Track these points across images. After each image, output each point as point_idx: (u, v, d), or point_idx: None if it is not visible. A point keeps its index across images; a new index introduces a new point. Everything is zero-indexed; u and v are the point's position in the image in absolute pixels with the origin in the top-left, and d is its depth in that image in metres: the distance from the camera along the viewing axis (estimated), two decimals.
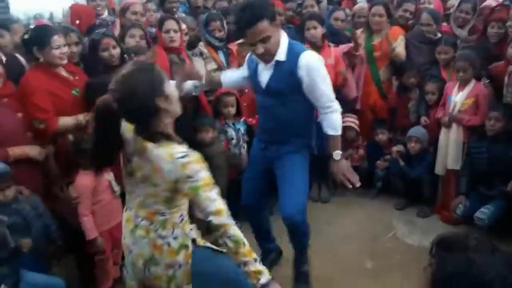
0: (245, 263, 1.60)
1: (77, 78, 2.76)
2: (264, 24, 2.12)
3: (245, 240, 1.63)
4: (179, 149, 1.58)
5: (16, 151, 2.39)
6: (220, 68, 3.54)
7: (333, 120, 2.34)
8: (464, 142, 3.30)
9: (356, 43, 3.67)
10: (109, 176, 2.58)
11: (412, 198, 3.67)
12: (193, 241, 1.74)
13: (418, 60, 3.79)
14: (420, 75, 3.73)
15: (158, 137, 1.58)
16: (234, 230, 1.61)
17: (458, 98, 3.31)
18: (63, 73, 2.70)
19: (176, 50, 3.29)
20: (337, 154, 2.38)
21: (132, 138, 1.65)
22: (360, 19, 4.16)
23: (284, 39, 2.28)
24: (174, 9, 4.14)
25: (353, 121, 3.82)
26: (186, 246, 1.70)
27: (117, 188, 2.60)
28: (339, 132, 2.36)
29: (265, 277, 1.59)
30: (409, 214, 3.61)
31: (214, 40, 3.54)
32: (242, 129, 3.38)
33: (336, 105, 2.34)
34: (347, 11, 4.36)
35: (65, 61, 2.67)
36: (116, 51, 2.82)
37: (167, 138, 1.60)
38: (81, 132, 2.64)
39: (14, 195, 2.25)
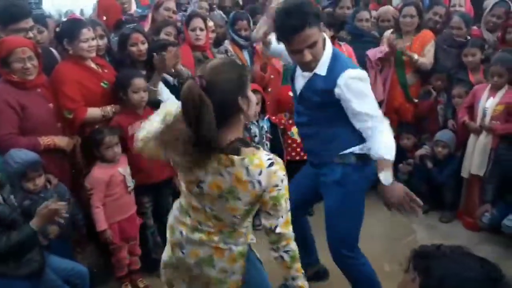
0: (294, 278, 1.56)
1: (105, 71, 2.83)
2: (313, 28, 1.93)
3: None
4: (264, 156, 1.47)
5: (46, 140, 2.46)
6: None
7: (381, 141, 2.00)
8: (492, 148, 3.23)
9: (392, 48, 3.62)
10: (124, 170, 2.63)
11: (434, 203, 3.62)
12: (250, 248, 1.69)
13: (446, 64, 3.73)
14: (448, 78, 3.67)
15: (238, 146, 1.46)
16: (294, 244, 1.54)
17: (488, 104, 3.22)
18: (92, 65, 2.78)
19: (201, 48, 3.33)
20: (386, 177, 2.00)
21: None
22: (385, 23, 4.08)
23: (328, 49, 2.05)
24: (214, 6, 4.26)
25: None
26: (244, 255, 1.63)
27: (130, 184, 2.66)
28: (388, 156, 1.99)
29: None
30: (430, 219, 3.56)
31: (239, 39, 3.57)
32: (266, 126, 3.39)
33: (382, 124, 2.03)
34: (373, 12, 4.31)
35: (93, 54, 2.74)
36: (144, 46, 2.89)
37: (246, 145, 1.49)
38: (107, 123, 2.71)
39: (43, 184, 2.32)
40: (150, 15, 3.72)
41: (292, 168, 3.51)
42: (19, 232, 2.04)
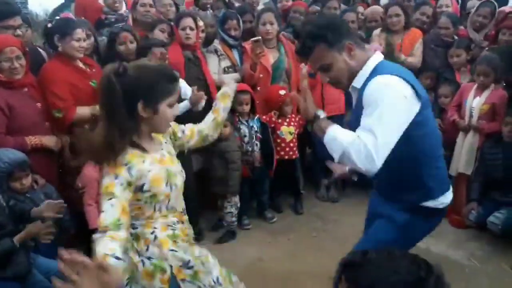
0: None
1: (93, 70, 2.82)
2: (321, 49, 1.69)
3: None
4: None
5: (33, 140, 2.45)
6: (234, 66, 3.58)
7: (350, 147, 1.55)
8: (478, 147, 3.27)
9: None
10: None
11: None
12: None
13: (435, 63, 3.77)
14: (437, 77, 3.72)
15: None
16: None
17: (475, 103, 3.26)
18: (80, 64, 2.77)
19: (191, 48, 3.32)
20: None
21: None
22: (372, 23, 4.12)
23: (371, 62, 1.72)
24: (208, 6, 4.22)
25: None
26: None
27: None
28: (336, 159, 1.59)
29: None
30: None
31: (229, 38, 3.57)
32: (256, 126, 3.40)
33: (367, 139, 1.53)
34: (361, 9, 4.32)
35: (81, 55, 2.74)
36: (133, 45, 2.88)
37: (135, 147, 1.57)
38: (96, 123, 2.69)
39: (30, 184, 2.30)
40: (130, 15, 3.69)
41: (281, 168, 3.58)
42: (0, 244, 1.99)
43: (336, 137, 1.59)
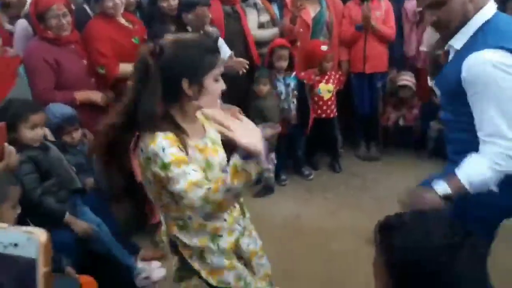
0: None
1: (136, 26, 2.85)
2: None
3: None
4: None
5: (81, 95, 2.55)
6: (273, 20, 3.49)
7: (478, 164, 1.43)
8: None
9: None
10: None
11: None
12: None
13: None
14: None
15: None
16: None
17: None
18: (122, 21, 2.79)
19: (231, 2, 3.27)
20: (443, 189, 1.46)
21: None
22: None
23: (481, 15, 1.47)
24: None
25: (409, 79, 3.68)
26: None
27: None
28: (471, 188, 1.43)
29: None
30: None
31: None
32: (292, 84, 3.35)
33: (502, 147, 1.40)
34: None
35: (119, 11, 2.74)
36: (175, 2, 2.87)
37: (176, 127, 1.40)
38: None
39: (80, 137, 2.42)
40: None
41: (318, 126, 3.55)
42: (55, 205, 2.08)
43: (472, 179, 1.42)
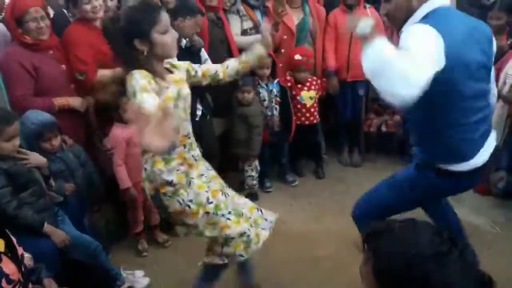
0: None
1: None
2: None
3: None
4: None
5: (60, 101, 2.49)
6: (256, 27, 3.51)
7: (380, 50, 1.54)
8: (508, 115, 3.16)
9: None
10: None
11: None
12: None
13: None
14: None
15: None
16: None
17: (511, 71, 3.11)
18: None
19: (214, 9, 3.26)
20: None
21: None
22: None
23: (427, 7, 1.68)
24: None
25: None
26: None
27: None
28: (368, 72, 1.56)
29: None
30: None
31: None
32: (275, 90, 3.36)
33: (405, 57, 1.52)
34: None
35: (99, 15, 2.68)
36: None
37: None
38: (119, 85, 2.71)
39: (59, 144, 2.37)
40: None
41: (301, 133, 3.56)
42: (32, 216, 2.03)
43: (383, 49, 1.52)
